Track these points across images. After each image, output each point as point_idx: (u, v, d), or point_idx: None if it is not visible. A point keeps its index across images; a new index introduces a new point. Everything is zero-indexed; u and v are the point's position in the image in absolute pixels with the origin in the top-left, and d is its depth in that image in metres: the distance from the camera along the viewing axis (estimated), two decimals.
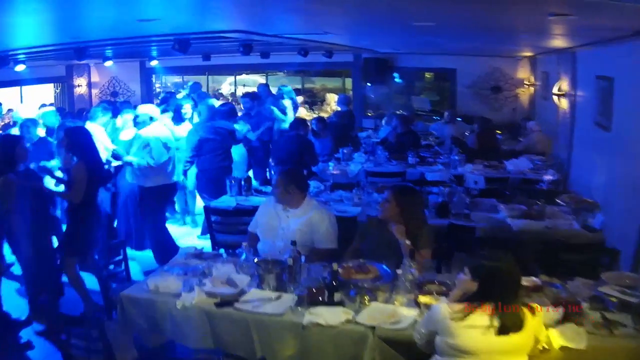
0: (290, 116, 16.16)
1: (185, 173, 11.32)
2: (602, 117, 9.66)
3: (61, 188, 8.64)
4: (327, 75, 24.66)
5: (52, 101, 20.81)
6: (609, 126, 9.28)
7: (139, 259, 10.63)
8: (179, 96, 16.73)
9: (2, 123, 15.35)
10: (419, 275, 6.00)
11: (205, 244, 9.12)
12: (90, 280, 8.70)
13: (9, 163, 7.96)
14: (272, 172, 12.72)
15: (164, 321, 5.85)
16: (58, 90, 21.83)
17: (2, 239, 8.24)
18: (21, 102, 18.92)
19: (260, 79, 24.17)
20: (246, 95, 15.21)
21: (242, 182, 10.08)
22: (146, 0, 6.50)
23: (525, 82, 18.89)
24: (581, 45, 10.67)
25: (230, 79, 25.71)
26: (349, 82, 22.79)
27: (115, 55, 16.70)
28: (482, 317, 4.46)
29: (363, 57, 20.59)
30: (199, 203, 12.19)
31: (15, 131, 11.50)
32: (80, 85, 22.21)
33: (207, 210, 9.28)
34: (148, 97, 22.49)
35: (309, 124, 13.67)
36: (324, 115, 20.04)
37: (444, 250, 7.21)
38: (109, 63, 17.95)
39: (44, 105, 16.30)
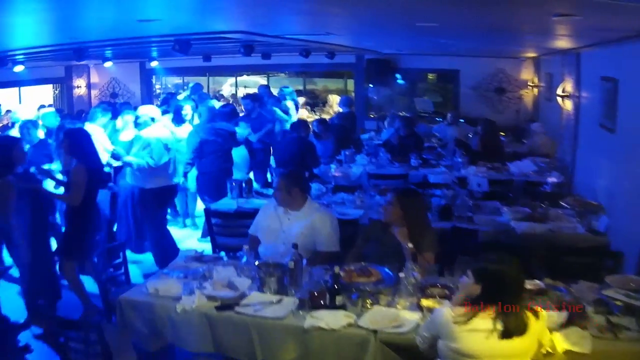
0: (294, 116, 16.18)
1: (185, 175, 11.32)
2: (606, 118, 9.65)
3: (61, 190, 8.64)
4: (329, 76, 24.67)
5: (51, 102, 20.82)
6: (613, 128, 9.27)
7: (138, 262, 10.63)
8: (179, 97, 16.74)
9: (1, 124, 15.34)
10: (422, 278, 6.00)
11: (206, 247, 9.12)
12: (90, 284, 8.71)
13: (6, 165, 7.96)
14: (273, 175, 12.69)
15: (164, 325, 5.86)
16: (57, 91, 21.85)
17: (0, 242, 8.25)
18: (20, 103, 18.93)
19: (261, 80, 24.17)
20: (247, 96, 15.20)
21: (243, 185, 10.07)
22: (146, 0, 6.51)
23: (529, 83, 18.89)
24: (586, 46, 10.66)
25: (231, 80, 25.71)
26: (351, 84, 22.79)
27: (115, 56, 16.72)
28: (485, 321, 4.46)
29: (365, 58, 20.58)
30: (199, 205, 12.21)
31: (14, 132, 11.50)
32: (80, 86, 22.22)
33: (208, 212, 9.28)
34: (148, 98, 22.52)
35: (310, 125, 13.67)
36: (326, 117, 20.03)
37: (446, 253, 7.21)
38: (108, 64, 17.97)
39: (42, 106, 16.34)
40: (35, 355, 7.28)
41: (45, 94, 21.47)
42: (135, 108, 12.27)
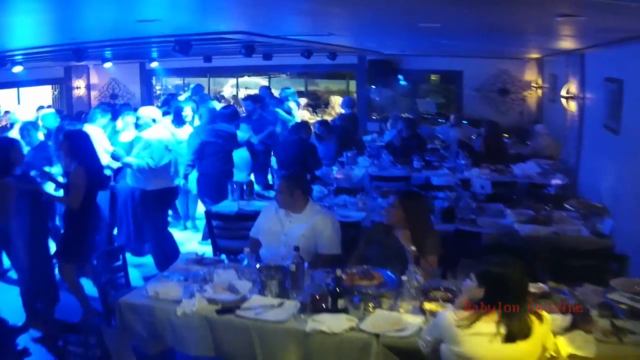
0: (297, 117, 16.19)
1: (186, 177, 11.32)
2: (611, 120, 9.65)
3: (61, 193, 8.64)
4: (331, 77, 24.69)
5: (50, 103, 20.84)
6: (618, 129, 9.27)
7: (138, 265, 10.62)
8: (180, 98, 16.73)
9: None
10: (424, 281, 6.00)
11: (207, 250, 9.12)
12: (89, 286, 8.72)
13: (5, 167, 7.97)
14: (275, 177, 12.68)
15: (164, 328, 5.85)
16: (56, 92, 21.90)
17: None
18: (18, 104, 18.94)
19: (262, 81, 24.21)
20: (248, 97, 15.21)
21: (244, 187, 10.07)
22: (146, 0, 6.51)
23: (532, 84, 18.90)
24: (590, 47, 10.66)
25: (232, 81, 25.70)
26: (353, 85, 22.81)
27: (114, 56, 16.72)
28: (488, 325, 4.46)
29: (367, 59, 20.61)
30: (200, 208, 12.20)
31: (13, 133, 11.48)
32: (79, 87, 22.26)
33: (209, 215, 9.28)
34: (148, 99, 22.58)
35: (311, 127, 13.66)
36: (328, 118, 20.04)
37: (449, 256, 7.19)
38: (108, 64, 17.97)
39: (41, 107, 16.31)
40: (34, 359, 7.28)
41: (44, 94, 21.49)
42: (135, 109, 12.26)
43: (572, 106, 12.72)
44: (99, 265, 7.50)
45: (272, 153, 14.53)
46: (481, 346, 4.44)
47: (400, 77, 20.79)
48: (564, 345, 4.79)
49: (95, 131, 11.03)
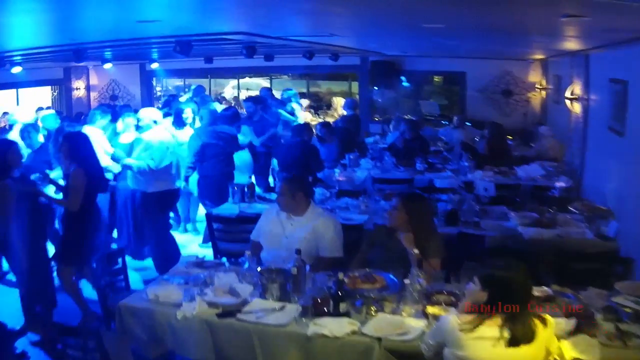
0: (300, 118, 16.20)
1: (186, 179, 11.31)
2: (616, 121, 9.64)
3: (60, 195, 8.64)
4: (333, 78, 24.67)
5: (50, 104, 20.85)
6: (623, 131, 9.26)
7: (138, 268, 10.62)
8: (181, 99, 16.74)
9: None
10: (427, 285, 5.98)
11: (207, 253, 9.12)
12: (88, 289, 8.71)
13: (2, 169, 7.97)
14: (276, 179, 12.67)
15: (164, 332, 5.85)
16: (55, 93, 21.91)
17: None
18: (17, 105, 18.93)
19: (264, 82, 24.19)
20: (249, 99, 15.23)
21: (245, 189, 10.06)
22: (146, 1, 6.51)
23: (536, 85, 18.89)
24: (595, 48, 10.66)
25: (233, 82, 25.69)
26: (355, 86, 22.84)
27: (114, 57, 16.73)
28: (492, 329, 4.45)
29: (370, 60, 20.62)
30: (201, 210, 12.20)
31: (13, 135, 11.47)
32: (79, 88, 22.28)
33: (209, 217, 9.27)
34: (148, 100, 22.58)
35: (313, 129, 13.67)
36: (331, 120, 20.03)
37: (453, 259, 7.19)
38: (108, 65, 17.99)
39: (40, 108, 16.31)
40: None
41: (43, 95, 21.50)
42: (136, 111, 12.25)
43: (577, 108, 12.71)
44: (99, 268, 7.51)
45: (272, 155, 14.52)
46: (485, 350, 4.43)
47: (402, 78, 20.76)
48: (568, 349, 4.78)
49: (95, 132, 11.01)
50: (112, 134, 12.01)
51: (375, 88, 21.32)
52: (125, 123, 11.77)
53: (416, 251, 6.50)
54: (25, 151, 10.27)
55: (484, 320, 4.49)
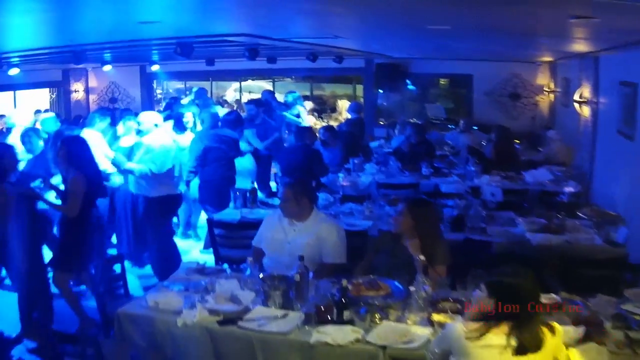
0: (306, 121, 16.21)
1: (188, 184, 11.31)
2: (625, 125, 9.64)
3: (60, 201, 8.65)
4: (337, 81, 24.73)
5: (48, 107, 20.87)
6: (633, 135, 9.26)
7: (137, 274, 10.62)
8: (183, 102, 16.77)
9: None
10: (433, 292, 5.98)
11: (208, 259, 9.12)
12: (87, 296, 8.72)
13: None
14: (278, 184, 12.65)
15: (164, 340, 5.84)
16: (54, 96, 21.96)
17: None
18: (15, 107, 18.93)
19: (266, 85, 24.23)
20: (251, 101, 15.22)
21: (247, 194, 10.05)
22: (147, 1, 6.52)
23: (545, 88, 18.87)
24: (604, 50, 10.66)
25: (235, 85, 25.75)
26: (359, 89, 22.85)
27: (114, 59, 16.77)
28: (498, 337, 4.44)
29: (375, 62, 20.60)
30: (202, 215, 12.20)
31: (12, 139, 11.47)
32: (78, 90, 22.30)
33: (211, 223, 9.27)
34: (149, 103, 22.58)
35: (316, 132, 13.66)
36: (335, 123, 20.04)
37: (459, 266, 7.16)
38: (107, 67, 18.05)
39: (39, 111, 16.32)
40: None
41: (41, 98, 21.51)
42: (136, 114, 12.25)
43: (586, 111, 12.71)
44: (97, 274, 7.52)
45: (273, 158, 14.51)
46: (491, 359, 4.42)
47: (408, 81, 20.76)
48: (577, 358, 4.77)
49: (94, 136, 11.01)
50: (112, 138, 12.01)
51: (380, 91, 21.33)
52: (127, 126, 11.77)
53: (422, 257, 6.50)
54: (26, 156, 10.29)
55: (491, 328, 4.48)
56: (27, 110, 16.11)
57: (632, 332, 5.20)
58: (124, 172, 10.67)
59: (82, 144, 8.63)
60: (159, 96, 24.53)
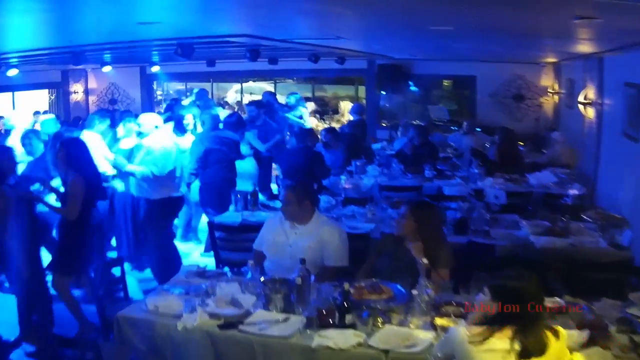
0: (307, 122, 16.21)
1: (188, 186, 11.31)
2: (630, 127, 9.64)
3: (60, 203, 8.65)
4: (339, 82, 24.71)
5: (47, 108, 20.85)
6: (638, 137, 9.26)
7: (137, 277, 10.62)
8: (184, 103, 16.76)
9: None
10: (436, 296, 5.97)
11: (209, 262, 9.10)
12: (86, 299, 8.71)
13: None
14: (280, 186, 12.64)
15: (164, 343, 5.83)
16: (53, 97, 21.93)
17: None
18: (13, 109, 18.92)
19: (268, 86, 24.22)
20: (252, 103, 15.21)
21: (249, 197, 10.05)
22: (147, 2, 6.52)
23: (549, 90, 18.87)
24: (609, 51, 10.66)
25: (237, 86, 25.75)
26: (362, 90, 22.86)
27: (114, 60, 16.76)
28: (502, 341, 4.44)
29: (377, 63, 20.60)
30: (202, 218, 12.19)
31: (12, 141, 11.47)
32: (77, 91, 22.31)
33: (211, 225, 9.27)
34: (149, 105, 22.58)
35: (317, 134, 13.66)
36: (338, 125, 20.03)
37: (462, 269, 7.18)
38: (107, 68, 18.00)
39: (37, 112, 16.31)
40: None
41: (40, 99, 21.51)
42: (136, 116, 12.24)
43: (590, 112, 12.71)
44: (97, 277, 7.52)
45: (275, 161, 14.51)
46: None
47: (411, 82, 20.75)
48: None
49: (94, 137, 11.01)
50: (112, 140, 12.00)
51: (383, 92, 21.32)
52: (127, 128, 11.75)
53: (425, 261, 6.49)
54: (26, 158, 10.29)
55: (494, 332, 4.47)
56: (26, 111, 16.11)
57: (637, 336, 5.19)
58: (125, 175, 10.66)
59: (81, 146, 8.62)
60: (159, 97, 24.51)
